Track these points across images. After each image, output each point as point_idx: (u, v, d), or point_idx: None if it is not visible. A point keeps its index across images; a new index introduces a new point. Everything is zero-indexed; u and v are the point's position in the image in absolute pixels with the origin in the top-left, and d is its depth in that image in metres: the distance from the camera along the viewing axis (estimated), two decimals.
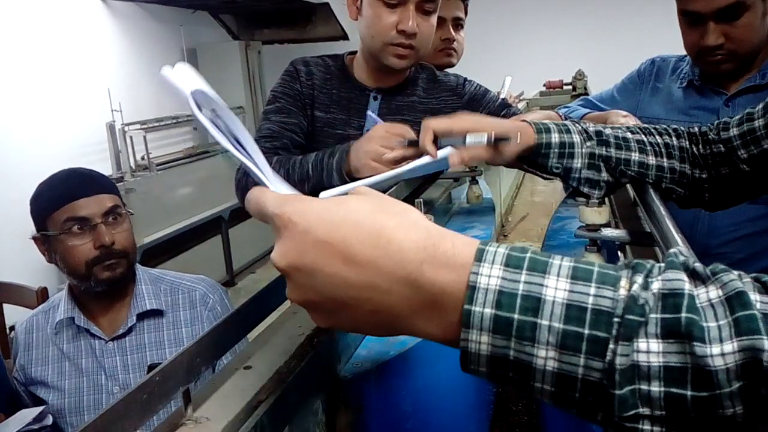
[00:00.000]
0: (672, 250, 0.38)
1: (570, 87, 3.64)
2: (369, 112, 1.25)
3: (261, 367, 0.58)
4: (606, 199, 0.91)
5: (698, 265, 0.36)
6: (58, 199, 1.28)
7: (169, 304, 1.37)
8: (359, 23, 1.30)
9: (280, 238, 0.41)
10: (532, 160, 0.88)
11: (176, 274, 1.45)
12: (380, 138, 1.08)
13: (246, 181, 1.25)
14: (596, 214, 0.85)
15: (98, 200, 1.29)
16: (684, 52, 1.40)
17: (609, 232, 0.86)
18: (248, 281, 4.96)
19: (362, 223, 0.39)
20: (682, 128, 0.92)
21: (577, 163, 0.86)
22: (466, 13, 1.90)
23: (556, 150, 0.86)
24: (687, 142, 0.89)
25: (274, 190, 0.47)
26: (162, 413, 0.50)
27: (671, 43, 1.68)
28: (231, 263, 4.94)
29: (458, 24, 1.86)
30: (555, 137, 0.86)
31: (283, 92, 1.33)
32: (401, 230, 0.39)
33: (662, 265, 0.36)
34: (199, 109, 0.49)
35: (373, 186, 1.04)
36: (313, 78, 1.34)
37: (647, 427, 0.33)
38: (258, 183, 0.50)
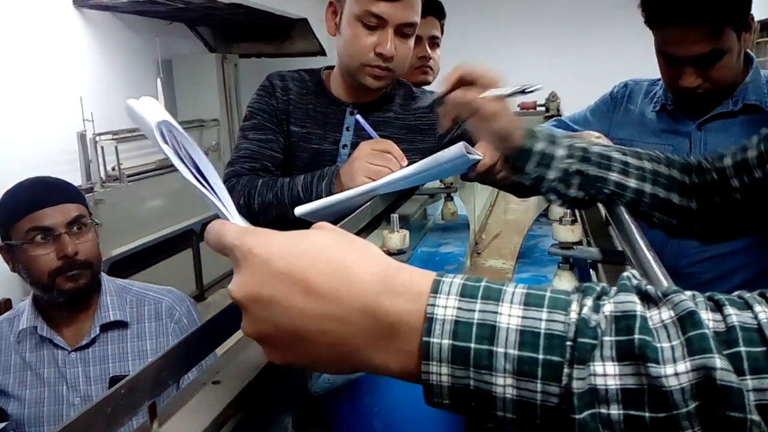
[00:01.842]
0: (625, 274, 0.39)
1: (543, 108, 3.69)
2: (358, 117, 1.25)
3: (230, 381, 0.56)
4: (579, 218, 0.92)
5: (650, 288, 0.37)
6: (22, 208, 1.25)
7: (134, 316, 1.35)
8: (337, 40, 1.30)
9: (239, 270, 0.40)
10: (512, 163, 0.90)
11: (143, 285, 1.43)
12: (367, 155, 1.09)
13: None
14: (569, 232, 0.86)
15: (63, 210, 1.27)
16: (657, 76, 1.42)
17: (581, 251, 0.87)
18: (218, 296, 4.88)
19: (323, 256, 0.39)
20: (678, 157, 0.94)
21: (552, 174, 0.88)
22: (442, 32, 1.93)
23: (535, 158, 0.88)
24: (678, 172, 0.91)
25: (234, 220, 0.47)
26: (125, 429, 0.48)
27: (644, 66, 1.72)
28: (201, 277, 4.87)
29: (434, 42, 1.89)
30: (539, 145, 0.88)
31: (260, 108, 1.33)
32: (361, 263, 0.39)
33: (614, 288, 0.37)
34: (165, 140, 0.49)
35: (351, 198, 1.04)
36: (289, 93, 1.34)
37: None
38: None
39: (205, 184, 0.50)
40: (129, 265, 3.97)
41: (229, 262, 0.42)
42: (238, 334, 0.64)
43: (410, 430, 0.76)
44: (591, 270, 0.91)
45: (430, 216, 1.42)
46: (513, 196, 1.43)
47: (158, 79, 4.71)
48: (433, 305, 0.36)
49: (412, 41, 1.29)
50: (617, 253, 0.85)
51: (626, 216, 0.83)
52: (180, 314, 1.38)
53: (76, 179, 3.76)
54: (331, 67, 1.39)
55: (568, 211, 0.89)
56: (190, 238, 4.71)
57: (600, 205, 0.97)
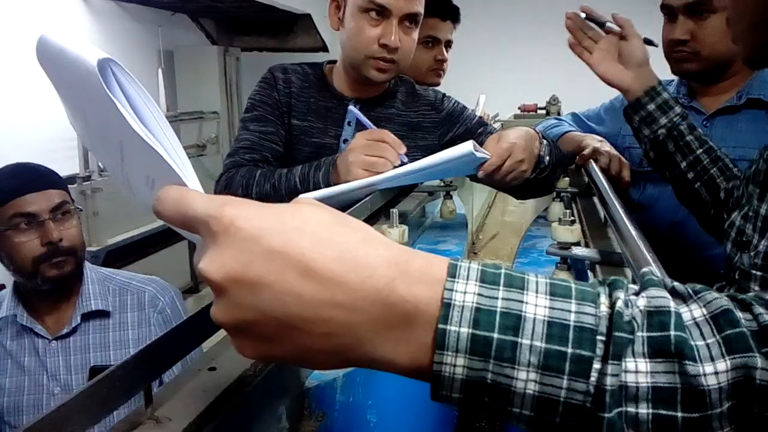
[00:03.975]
0: (644, 270, 0.37)
1: (544, 111, 3.70)
2: (351, 107, 1.25)
3: (226, 368, 0.56)
4: (578, 219, 0.92)
5: (677, 284, 0.35)
6: (5, 194, 1.24)
7: (116, 305, 1.33)
8: (341, 34, 1.30)
9: (217, 245, 0.34)
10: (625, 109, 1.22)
11: (127, 273, 1.42)
12: (363, 147, 1.08)
13: (248, 181, 1.21)
14: (568, 233, 0.86)
15: (46, 195, 1.26)
16: (667, 77, 1.45)
17: (579, 251, 0.87)
18: None
19: (323, 235, 0.34)
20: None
21: (646, 131, 1.20)
22: None
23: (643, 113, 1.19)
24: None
25: (194, 188, 0.40)
26: (116, 414, 0.48)
27: None
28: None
29: (448, 46, 1.94)
30: (651, 106, 1.19)
31: (261, 100, 1.33)
32: (368, 245, 0.34)
33: (631, 285, 0.36)
34: (110, 85, 0.40)
35: (352, 191, 1.03)
36: (291, 85, 1.33)
37: None
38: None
39: (158, 140, 0.41)
40: (125, 254, 3.96)
41: None
42: None
43: (404, 423, 0.76)
44: (589, 271, 0.91)
45: (428, 214, 1.42)
46: (512, 197, 1.44)
47: (159, 70, 4.70)
48: (451, 290, 0.33)
49: (416, 33, 1.29)
50: (615, 255, 0.85)
51: (624, 217, 0.83)
52: (163, 304, 1.36)
53: (74, 167, 3.75)
54: (334, 62, 1.39)
55: (567, 211, 0.89)
56: None
57: (599, 206, 0.97)
